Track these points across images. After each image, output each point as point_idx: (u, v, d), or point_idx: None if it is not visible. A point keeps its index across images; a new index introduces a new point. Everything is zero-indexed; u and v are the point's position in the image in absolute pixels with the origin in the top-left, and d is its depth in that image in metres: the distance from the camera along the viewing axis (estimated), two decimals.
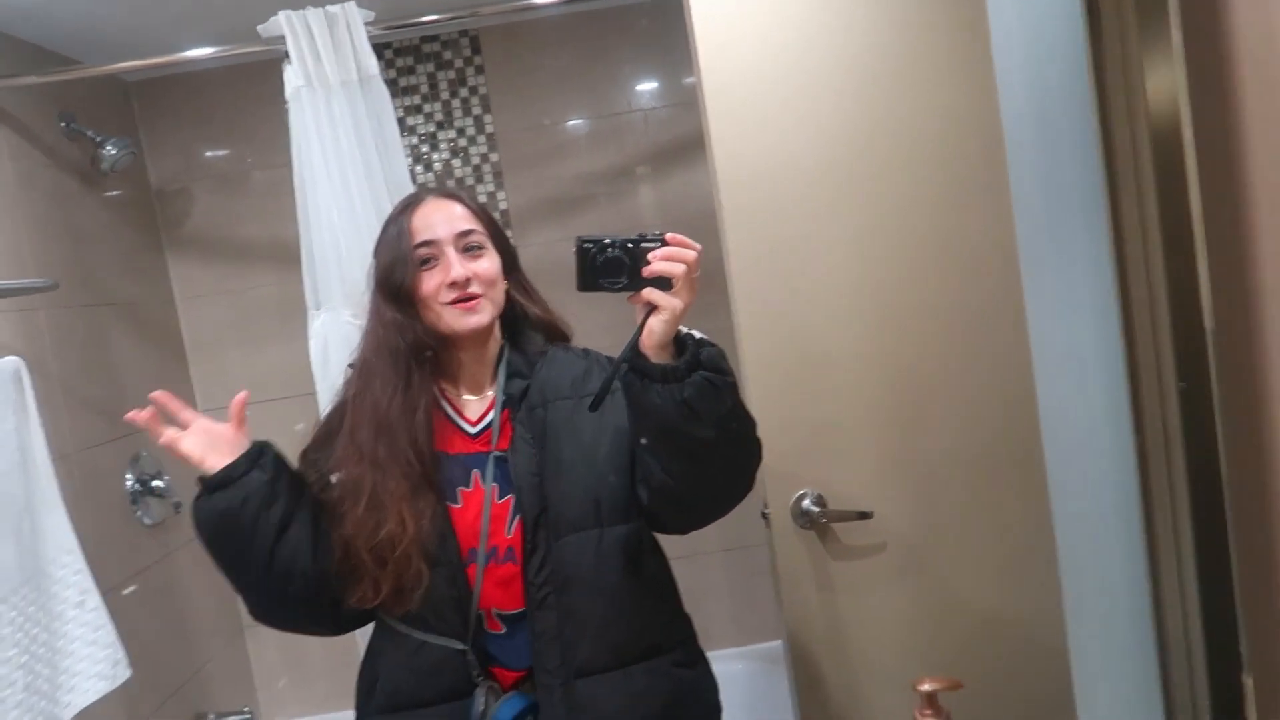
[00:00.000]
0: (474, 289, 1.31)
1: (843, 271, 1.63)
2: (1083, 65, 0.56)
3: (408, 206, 1.35)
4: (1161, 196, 1.02)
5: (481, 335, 1.36)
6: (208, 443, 1.28)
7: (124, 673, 1.80)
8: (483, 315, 1.32)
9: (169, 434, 1.28)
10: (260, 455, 1.28)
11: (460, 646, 1.31)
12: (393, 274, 1.32)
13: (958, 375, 1.64)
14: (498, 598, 1.31)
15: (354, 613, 1.34)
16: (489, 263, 1.34)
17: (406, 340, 1.31)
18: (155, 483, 2.32)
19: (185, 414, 1.31)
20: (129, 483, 2.27)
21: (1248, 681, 0.52)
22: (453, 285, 1.30)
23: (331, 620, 1.36)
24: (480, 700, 1.30)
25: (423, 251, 1.31)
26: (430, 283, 1.31)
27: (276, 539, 1.26)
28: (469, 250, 1.33)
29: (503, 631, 1.33)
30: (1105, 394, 0.55)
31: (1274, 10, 0.52)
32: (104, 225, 2.36)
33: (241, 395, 1.32)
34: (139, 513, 2.28)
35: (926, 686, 0.92)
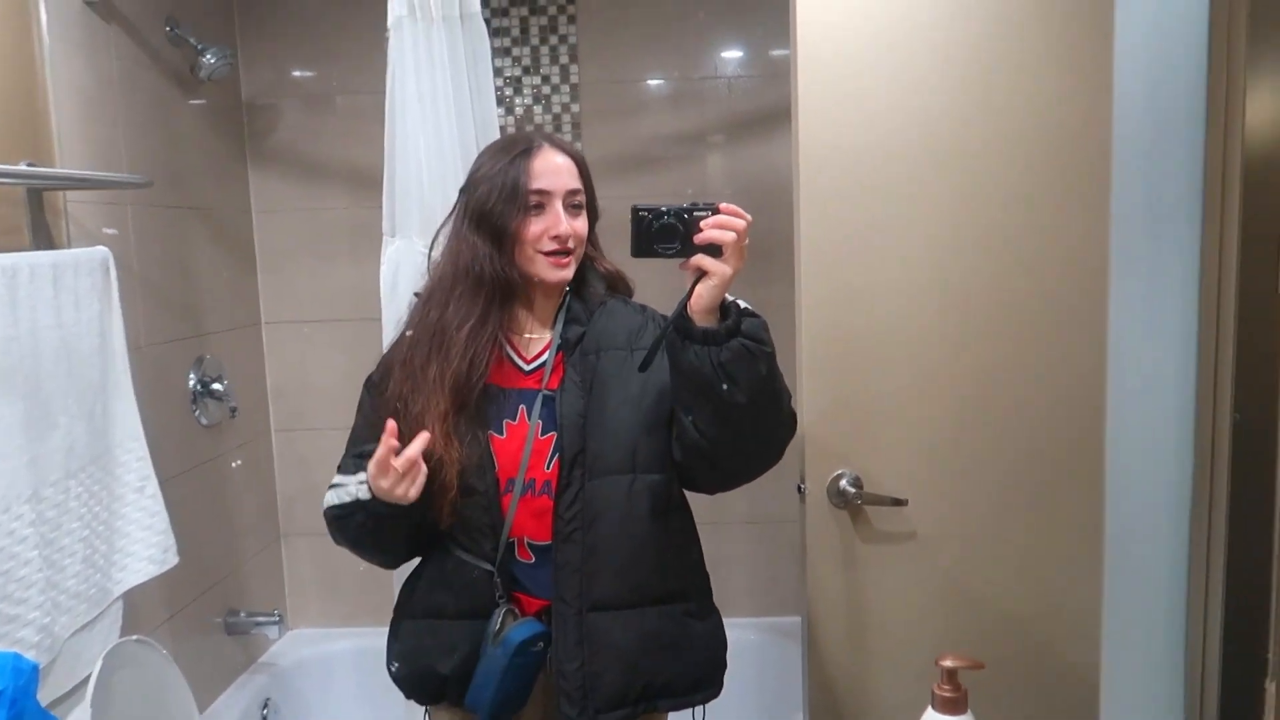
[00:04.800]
0: (570, 245, 1.38)
1: (914, 258, 1.64)
2: (1203, 81, 0.56)
3: (527, 149, 1.38)
4: (1249, 217, 1.02)
5: (560, 284, 1.42)
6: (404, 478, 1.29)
7: (172, 559, 1.89)
8: (569, 271, 1.40)
9: (416, 486, 1.29)
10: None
11: (489, 568, 1.38)
12: (497, 209, 1.37)
13: (1016, 376, 1.64)
14: (530, 528, 1.38)
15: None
16: (584, 223, 1.41)
17: (495, 273, 1.37)
18: (215, 385, 2.41)
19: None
20: (191, 382, 2.36)
21: (1270, 687, 0.54)
22: (555, 238, 1.36)
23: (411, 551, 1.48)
24: (497, 620, 1.38)
25: (535, 198, 1.36)
26: (535, 228, 1.37)
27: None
28: (573, 208, 1.39)
29: (532, 561, 1.40)
30: (1176, 406, 0.56)
31: None
32: (194, 131, 2.43)
33: (422, 440, 1.29)
34: (197, 412, 2.37)
35: (949, 663, 0.96)
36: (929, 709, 0.98)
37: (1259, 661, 0.55)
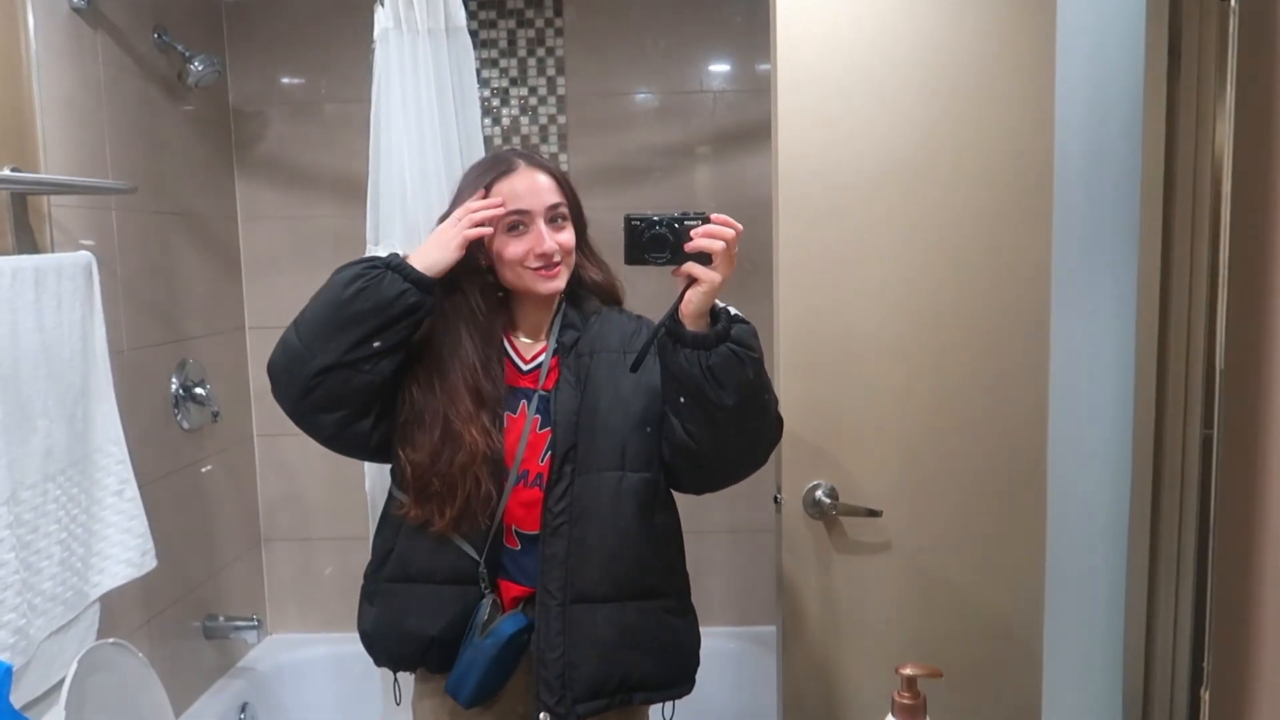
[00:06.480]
0: (557, 258, 1.41)
1: (886, 273, 1.66)
2: (1139, 110, 0.59)
3: (502, 172, 1.42)
4: (1209, 242, 1.05)
5: (553, 295, 1.46)
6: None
7: (151, 562, 1.89)
8: (561, 281, 1.43)
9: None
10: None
11: (474, 555, 1.41)
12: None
13: (979, 390, 1.67)
14: (519, 516, 1.42)
15: (379, 446, 1.42)
16: (569, 234, 1.44)
17: (484, 290, 1.43)
18: (197, 390, 2.41)
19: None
20: (173, 386, 2.36)
21: (1205, 695, 0.56)
22: (540, 255, 1.40)
23: (341, 433, 1.41)
24: (485, 611, 1.41)
25: (513, 218, 1.40)
26: (518, 248, 1.41)
27: (380, 349, 1.34)
28: (554, 221, 1.42)
29: (518, 549, 1.44)
30: (1112, 424, 0.59)
31: None
32: (181, 137, 2.44)
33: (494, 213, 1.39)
34: (179, 416, 2.38)
35: (908, 670, 0.98)
36: (889, 716, 1.01)
37: (1196, 671, 0.58)
